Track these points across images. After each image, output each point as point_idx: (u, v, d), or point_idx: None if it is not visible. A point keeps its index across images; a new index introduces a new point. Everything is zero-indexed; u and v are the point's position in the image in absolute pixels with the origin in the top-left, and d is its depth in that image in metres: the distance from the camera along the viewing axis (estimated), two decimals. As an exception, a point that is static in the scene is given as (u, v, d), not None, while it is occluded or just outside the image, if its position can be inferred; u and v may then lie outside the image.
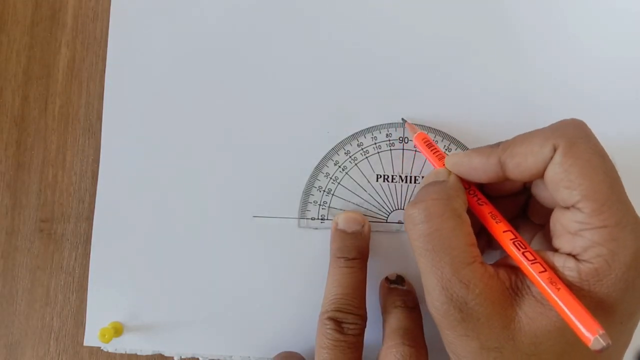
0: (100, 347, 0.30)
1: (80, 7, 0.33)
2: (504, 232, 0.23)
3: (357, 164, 0.30)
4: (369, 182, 0.30)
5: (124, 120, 0.31)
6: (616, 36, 0.30)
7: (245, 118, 0.31)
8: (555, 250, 0.22)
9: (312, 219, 0.30)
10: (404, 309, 0.26)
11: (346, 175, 0.30)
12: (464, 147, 0.29)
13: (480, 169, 0.23)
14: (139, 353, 0.30)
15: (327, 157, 0.30)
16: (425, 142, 0.28)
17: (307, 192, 0.30)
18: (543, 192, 0.24)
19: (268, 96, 0.31)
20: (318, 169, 0.30)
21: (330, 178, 0.30)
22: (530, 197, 0.25)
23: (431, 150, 0.27)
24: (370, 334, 0.26)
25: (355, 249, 0.27)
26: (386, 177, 0.30)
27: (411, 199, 0.29)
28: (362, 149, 0.30)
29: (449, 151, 0.30)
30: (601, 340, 0.18)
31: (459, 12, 0.31)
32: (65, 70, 0.32)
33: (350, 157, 0.30)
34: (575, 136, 0.21)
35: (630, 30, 0.30)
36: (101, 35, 0.32)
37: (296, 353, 0.29)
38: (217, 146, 0.31)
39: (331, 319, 0.25)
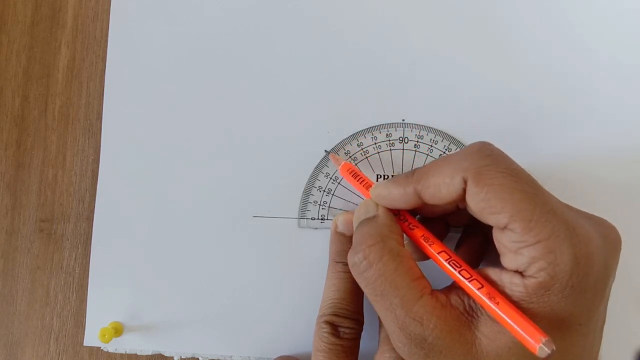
0: (100, 347, 0.30)
1: (80, 7, 0.33)
2: (438, 253, 0.23)
3: (357, 164, 0.30)
4: (369, 182, 0.30)
5: (124, 120, 0.31)
6: (615, 37, 0.30)
7: (245, 118, 0.31)
8: (504, 268, 0.22)
9: (312, 219, 0.30)
10: None
11: (346, 175, 0.30)
12: (463, 147, 0.29)
13: (400, 200, 0.24)
14: (139, 353, 0.30)
15: (327, 157, 0.30)
16: (350, 173, 0.28)
17: (307, 192, 0.30)
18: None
19: (268, 96, 0.31)
20: (318, 169, 0.30)
21: (330, 178, 0.30)
22: None
23: (357, 180, 0.27)
24: (368, 338, 0.26)
25: None
26: (386, 177, 0.30)
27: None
28: (362, 149, 0.30)
29: (448, 151, 0.30)
30: (545, 348, 0.19)
31: (460, 12, 0.31)
32: (65, 70, 0.32)
33: (350, 157, 0.30)
34: (481, 165, 0.21)
35: (629, 31, 0.30)
36: (101, 35, 0.32)
37: (295, 358, 0.29)
38: (217, 146, 0.31)
39: (328, 322, 0.25)
